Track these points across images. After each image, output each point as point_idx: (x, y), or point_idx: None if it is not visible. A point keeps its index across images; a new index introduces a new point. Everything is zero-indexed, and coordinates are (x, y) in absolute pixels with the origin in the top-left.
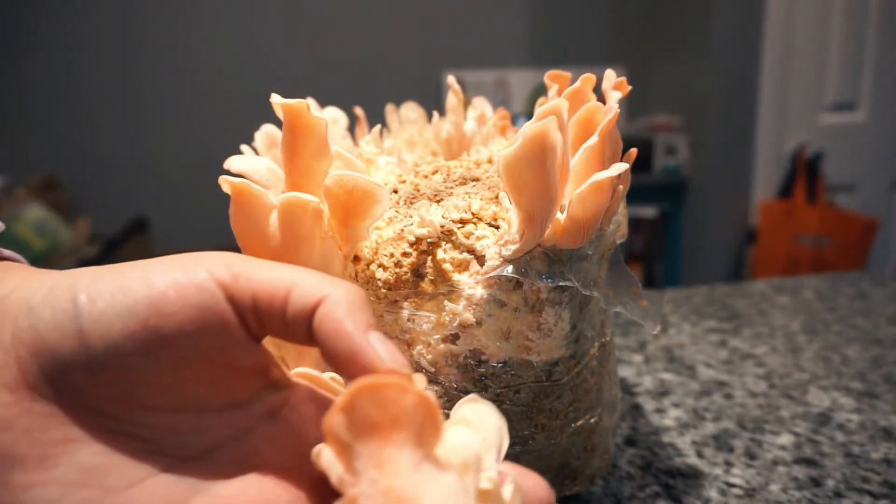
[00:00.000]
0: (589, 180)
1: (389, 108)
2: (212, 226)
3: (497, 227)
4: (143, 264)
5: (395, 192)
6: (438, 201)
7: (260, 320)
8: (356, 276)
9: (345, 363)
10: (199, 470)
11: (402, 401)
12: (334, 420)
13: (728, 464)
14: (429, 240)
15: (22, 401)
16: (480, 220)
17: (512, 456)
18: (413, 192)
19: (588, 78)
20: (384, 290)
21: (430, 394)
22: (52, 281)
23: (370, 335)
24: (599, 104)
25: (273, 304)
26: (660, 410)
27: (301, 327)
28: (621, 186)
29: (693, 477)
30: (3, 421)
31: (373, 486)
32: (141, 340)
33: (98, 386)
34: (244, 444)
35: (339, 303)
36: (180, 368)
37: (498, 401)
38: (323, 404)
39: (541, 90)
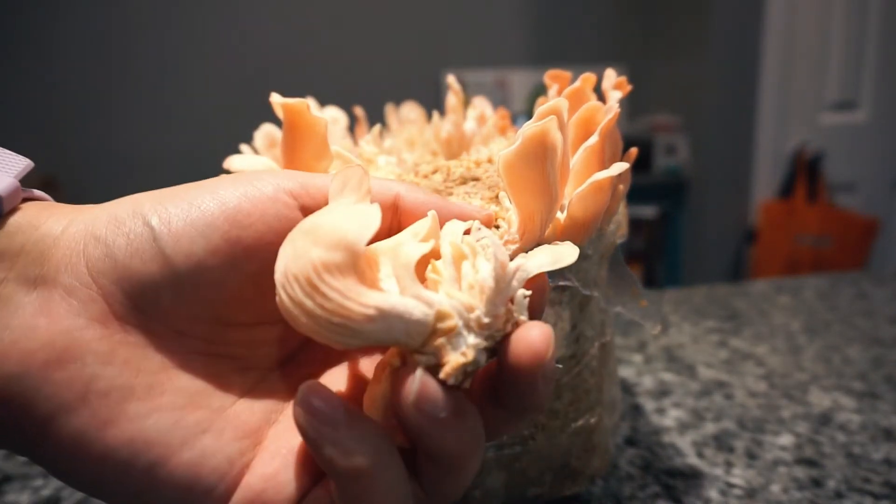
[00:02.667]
0: (589, 180)
1: (389, 108)
2: None
3: (497, 227)
4: (206, 184)
5: None
6: None
7: None
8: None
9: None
10: (289, 376)
11: (350, 173)
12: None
13: (728, 464)
14: None
15: (115, 332)
16: None
17: (512, 456)
18: None
19: (588, 77)
20: None
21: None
22: (107, 211)
23: (455, 203)
24: (599, 104)
25: None
26: (660, 410)
27: (382, 220)
28: (621, 186)
29: (693, 477)
30: (103, 355)
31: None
32: (225, 254)
33: (186, 306)
34: (320, 346)
35: (416, 190)
36: (261, 279)
37: None
38: None
39: (541, 90)
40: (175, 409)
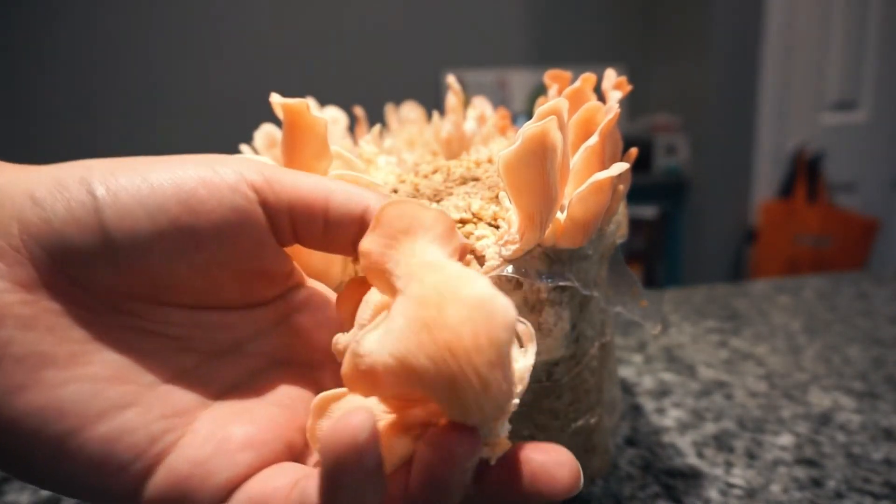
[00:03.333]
0: (589, 180)
1: (389, 108)
2: None
3: (497, 227)
4: (164, 161)
5: (395, 191)
6: (438, 201)
7: (295, 227)
8: (356, 275)
9: None
10: (229, 364)
11: (423, 213)
12: (368, 239)
13: (728, 464)
14: None
15: (41, 299)
16: (480, 219)
17: None
18: (413, 192)
19: (588, 78)
20: None
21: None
22: (52, 174)
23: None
24: (600, 104)
25: (313, 211)
26: (660, 410)
27: (346, 232)
28: (621, 186)
29: (693, 477)
30: (24, 320)
31: (422, 285)
32: (171, 240)
33: (124, 284)
34: (271, 339)
35: (388, 200)
36: (210, 270)
37: None
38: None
39: (541, 90)
40: (97, 381)
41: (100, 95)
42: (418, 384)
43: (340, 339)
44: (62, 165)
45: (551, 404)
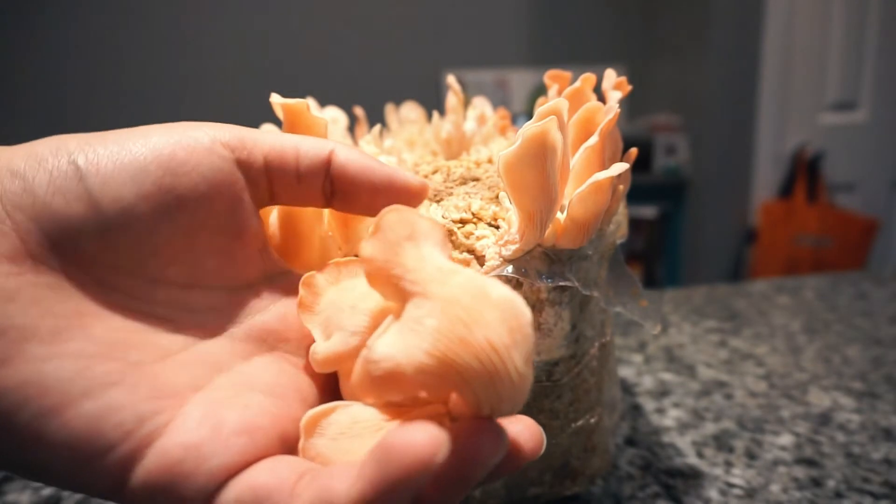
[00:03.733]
0: (589, 180)
1: (389, 108)
2: None
3: (497, 227)
4: (136, 130)
5: None
6: (438, 201)
7: (271, 181)
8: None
9: (383, 191)
10: (217, 349)
11: (421, 221)
12: (370, 245)
13: (728, 464)
14: None
15: (26, 272)
16: (480, 220)
17: None
18: None
19: (588, 78)
20: None
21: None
22: (25, 149)
23: (389, 166)
24: (600, 104)
25: (285, 161)
26: (660, 410)
27: (317, 179)
28: (621, 186)
29: (693, 477)
30: (7, 292)
31: (448, 287)
32: (156, 201)
33: (110, 254)
34: (258, 325)
35: (351, 149)
36: (193, 233)
37: None
38: None
39: (541, 90)
40: (83, 357)
41: (99, 96)
42: (458, 381)
43: (319, 349)
44: (36, 142)
45: (551, 404)
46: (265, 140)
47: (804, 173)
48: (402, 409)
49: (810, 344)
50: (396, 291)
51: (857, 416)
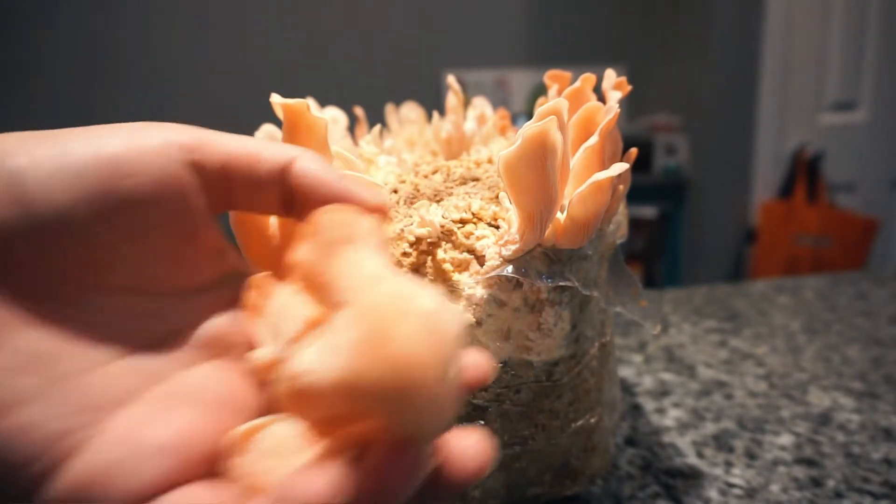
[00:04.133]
0: (589, 180)
1: (389, 108)
2: None
3: (497, 227)
4: (81, 130)
5: (395, 192)
6: (438, 201)
7: (229, 185)
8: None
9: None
10: (158, 357)
11: (361, 221)
12: (304, 248)
13: (728, 464)
14: (429, 240)
15: None
16: (480, 220)
17: (512, 455)
18: (413, 192)
19: (588, 78)
20: None
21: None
22: None
23: (348, 180)
24: (599, 104)
25: (244, 166)
26: (660, 410)
27: (275, 186)
28: (621, 186)
29: (693, 477)
30: None
31: (369, 298)
32: (97, 205)
33: (44, 262)
34: (205, 332)
35: (313, 159)
36: (137, 237)
37: (498, 401)
38: None
39: (541, 90)
40: (4, 370)
41: (98, 96)
42: (370, 400)
43: (254, 356)
44: None
45: (551, 404)
46: (226, 143)
47: (804, 173)
48: (332, 427)
49: (810, 344)
50: (327, 299)
51: (857, 416)
